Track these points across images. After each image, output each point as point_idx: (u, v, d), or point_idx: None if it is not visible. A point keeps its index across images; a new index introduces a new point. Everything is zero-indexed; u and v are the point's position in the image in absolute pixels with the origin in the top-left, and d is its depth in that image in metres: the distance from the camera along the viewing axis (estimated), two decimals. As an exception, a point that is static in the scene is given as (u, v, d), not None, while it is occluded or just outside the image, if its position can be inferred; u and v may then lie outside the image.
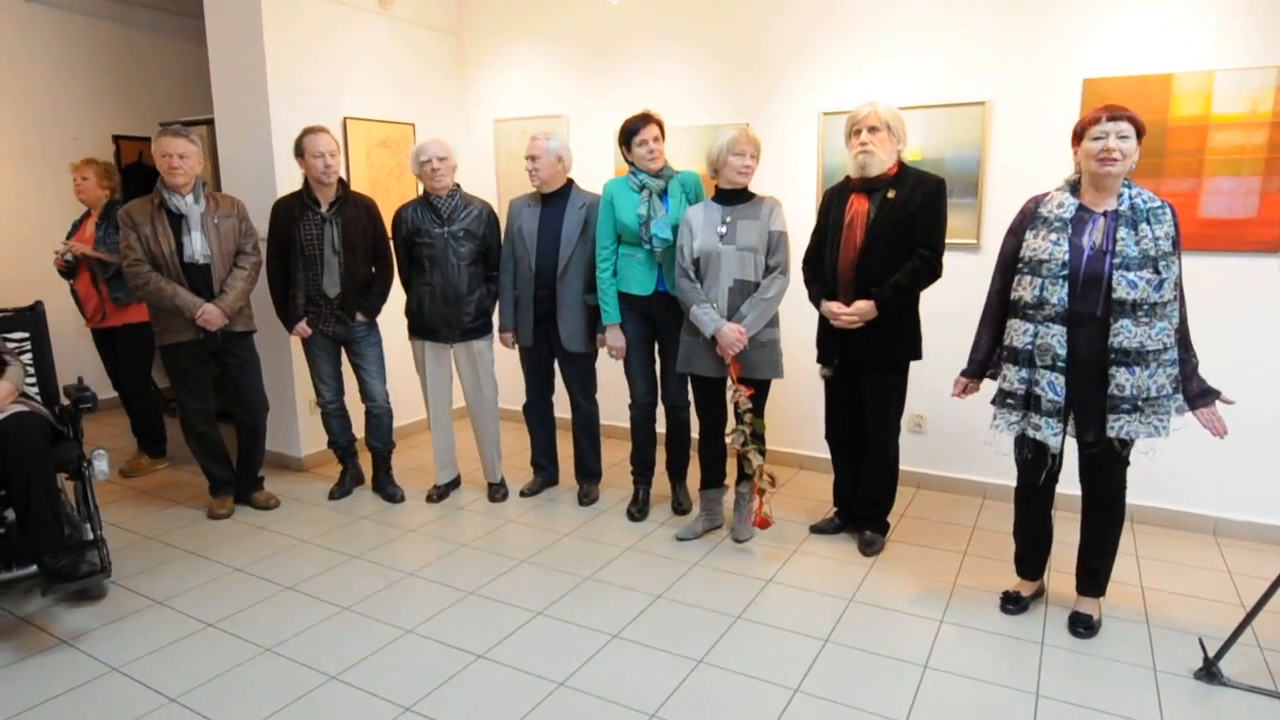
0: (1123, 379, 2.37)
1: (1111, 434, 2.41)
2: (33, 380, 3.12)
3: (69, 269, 4.03)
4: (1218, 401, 2.43)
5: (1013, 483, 2.75)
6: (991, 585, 2.92)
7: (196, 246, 3.40)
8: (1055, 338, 2.42)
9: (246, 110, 4.02)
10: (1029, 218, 2.53)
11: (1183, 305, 2.43)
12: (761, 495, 3.18)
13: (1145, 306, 2.32)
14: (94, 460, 2.90)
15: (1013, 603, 2.76)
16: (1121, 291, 2.33)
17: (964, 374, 2.75)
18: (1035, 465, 2.58)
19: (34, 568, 2.71)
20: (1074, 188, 2.48)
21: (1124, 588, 2.91)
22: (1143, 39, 3.23)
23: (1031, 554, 2.79)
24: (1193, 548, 3.27)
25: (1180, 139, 3.21)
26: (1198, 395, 2.43)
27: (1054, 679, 2.38)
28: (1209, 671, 2.35)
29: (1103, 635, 2.61)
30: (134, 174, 5.17)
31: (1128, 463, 2.51)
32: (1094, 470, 2.54)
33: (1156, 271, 2.32)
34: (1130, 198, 2.38)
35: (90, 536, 2.91)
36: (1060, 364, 2.43)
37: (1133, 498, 2.64)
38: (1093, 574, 2.65)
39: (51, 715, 2.26)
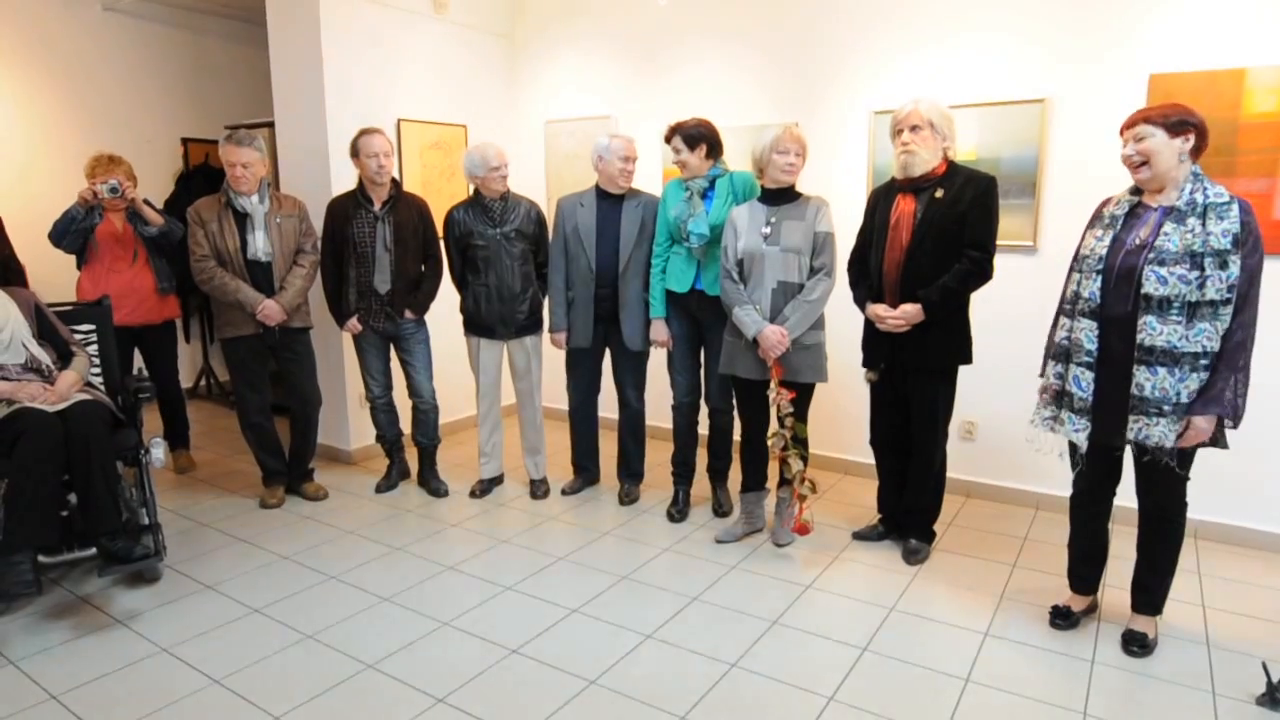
0: (1143, 379, 2.25)
1: (1130, 437, 2.31)
2: (97, 370, 3.26)
3: (88, 214, 3.69)
4: (1214, 430, 2.24)
5: (1068, 492, 2.66)
6: (1041, 599, 2.81)
7: (259, 244, 3.53)
8: (1085, 332, 2.36)
9: (305, 113, 4.14)
10: (1093, 218, 2.49)
11: (1239, 312, 2.19)
12: (802, 501, 3.13)
13: (1178, 304, 2.20)
14: (151, 448, 3.01)
15: (1063, 617, 2.66)
16: (1149, 286, 2.23)
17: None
18: (1077, 466, 2.52)
19: (93, 550, 2.82)
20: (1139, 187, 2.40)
21: (1184, 606, 2.77)
22: (1213, 31, 3.08)
23: (1084, 567, 2.68)
24: (1262, 567, 3.09)
25: (1253, 137, 3.05)
26: (1208, 398, 2.21)
27: (1103, 698, 2.28)
28: (1272, 697, 2.22)
29: (1158, 655, 2.49)
30: (199, 174, 5.36)
31: (1186, 477, 2.38)
32: (1148, 482, 2.42)
33: (1200, 269, 2.18)
34: (1191, 192, 2.26)
35: (146, 521, 3.03)
36: (1088, 360, 2.35)
37: (1199, 513, 2.52)
38: (1148, 591, 2.53)
39: (103, 692, 2.35)
